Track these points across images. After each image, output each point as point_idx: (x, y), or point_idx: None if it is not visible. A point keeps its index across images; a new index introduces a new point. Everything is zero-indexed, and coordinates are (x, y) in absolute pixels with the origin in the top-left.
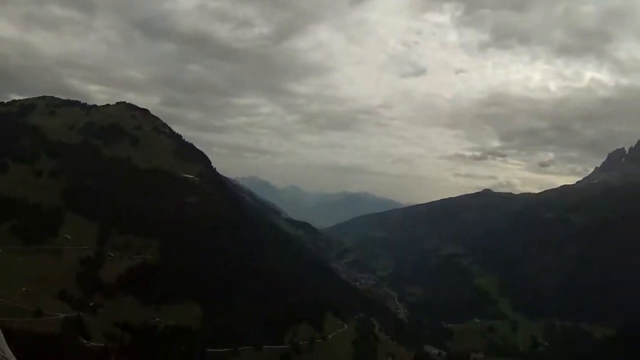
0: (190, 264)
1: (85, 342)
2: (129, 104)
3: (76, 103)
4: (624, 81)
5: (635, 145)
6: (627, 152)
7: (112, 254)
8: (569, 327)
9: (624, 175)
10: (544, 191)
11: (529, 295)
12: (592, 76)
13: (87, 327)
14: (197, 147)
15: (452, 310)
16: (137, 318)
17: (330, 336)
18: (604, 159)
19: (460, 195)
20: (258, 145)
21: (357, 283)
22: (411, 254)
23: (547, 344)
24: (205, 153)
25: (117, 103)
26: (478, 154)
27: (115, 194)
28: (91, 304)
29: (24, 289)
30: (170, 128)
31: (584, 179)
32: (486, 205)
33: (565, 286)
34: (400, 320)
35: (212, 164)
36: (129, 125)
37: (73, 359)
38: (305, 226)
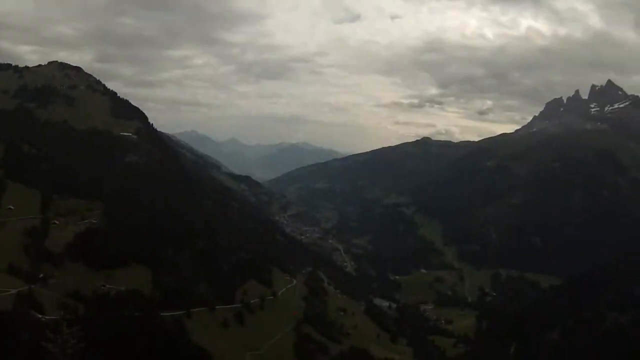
0: (135, 225)
1: (40, 316)
2: (62, 63)
3: (8, 66)
4: (562, 31)
5: (573, 95)
6: (564, 101)
7: (57, 222)
8: (515, 277)
9: (562, 125)
10: (484, 139)
11: (474, 245)
12: (530, 24)
13: (39, 301)
14: (133, 103)
15: (398, 262)
16: (87, 286)
17: (280, 293)
18: (542, 108)
19: (400, 144)
20: (194, 99)
21: (302, 237)
22: (354, 204)
23: (494, 294)
24: (141, 109)
25: (50, 63)
26: (416, 101)
27: (55, 158)
28: (41, 275)
29: None
30: (104, 85)
31: (522, 127)
32: (426, 153)
33: (509, 236)
34: (347, 273)
35: (149, 120)
36: (62, 85)
37: (29, 336)
38: (246, 180)
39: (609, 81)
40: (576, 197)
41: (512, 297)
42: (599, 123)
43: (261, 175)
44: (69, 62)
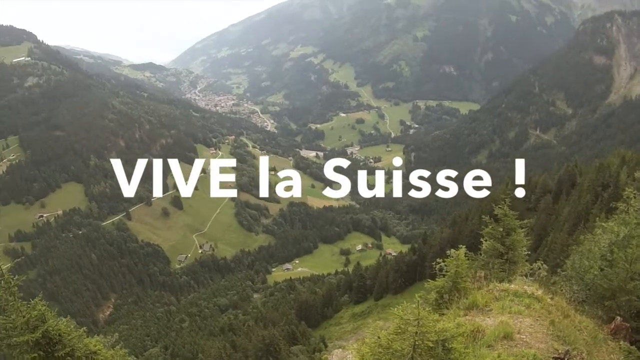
0: (54, 147)
1: None
2: None
3: None
4: None
5: None
6: None
7: None
8: (434, 106)
9: None
10: None
11: (388, 82)
12: None
13: None
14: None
15: (316, 111)
16: (27, 223)
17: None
18: None
19: None
20: None
21: (217, 107)
22: (262, 64)
23: (417, 125)
24: (28, 30)
25: None
26: None
27: None
28: None
29: None
30: None
31: None
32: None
33: (422, 69)
34: (270, 132)
35: (39, 39)
36: None
37: None
38: (150, 67)
39: None
40: (484, 24)
41: (435, 124)
42: None
43: (165, 57)
44: None
